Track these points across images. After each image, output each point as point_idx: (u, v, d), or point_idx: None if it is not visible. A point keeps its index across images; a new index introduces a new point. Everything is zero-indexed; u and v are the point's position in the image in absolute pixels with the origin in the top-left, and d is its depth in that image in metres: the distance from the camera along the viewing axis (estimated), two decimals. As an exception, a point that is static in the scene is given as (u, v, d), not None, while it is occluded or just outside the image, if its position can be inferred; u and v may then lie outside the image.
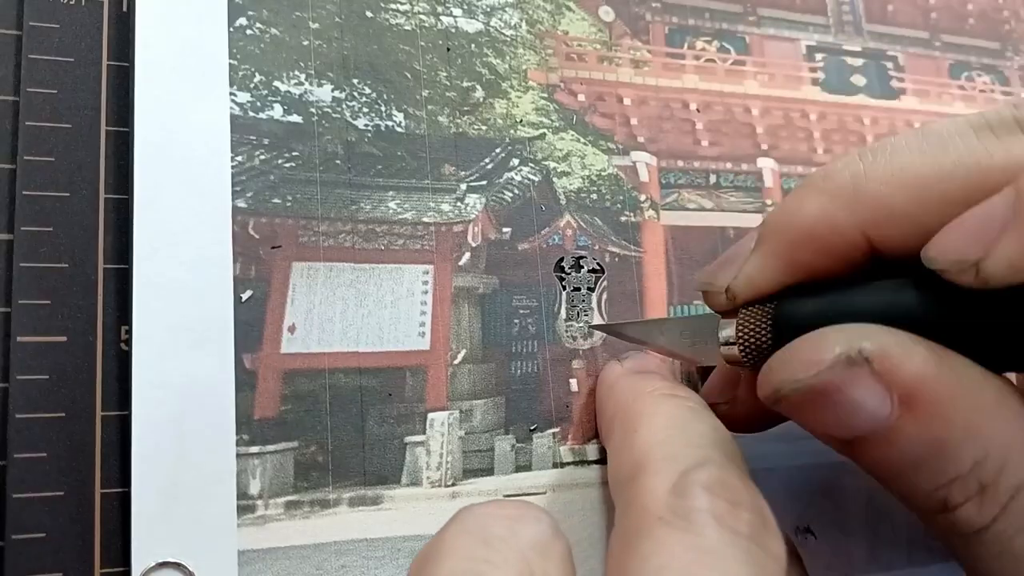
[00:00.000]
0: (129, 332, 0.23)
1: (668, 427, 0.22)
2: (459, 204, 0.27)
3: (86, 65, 0.25)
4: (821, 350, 0.20)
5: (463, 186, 0.27)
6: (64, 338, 0.23)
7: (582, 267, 0.28)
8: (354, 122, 0.27)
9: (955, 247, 0.19)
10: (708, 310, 0.24)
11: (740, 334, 0.23)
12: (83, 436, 0.23)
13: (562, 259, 0.28)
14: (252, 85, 0.26)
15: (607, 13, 0.31)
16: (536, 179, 0.29)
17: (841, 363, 0.19)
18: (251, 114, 0.25)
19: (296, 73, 0.26)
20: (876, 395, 0.19)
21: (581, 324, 0.28)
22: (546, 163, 0.29)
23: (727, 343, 0.23)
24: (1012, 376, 0.23)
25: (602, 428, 0.26)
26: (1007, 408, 0.19)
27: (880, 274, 0.21)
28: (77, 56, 0.25)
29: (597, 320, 0.28)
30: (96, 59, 0.25)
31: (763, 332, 0.22)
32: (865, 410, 0.19)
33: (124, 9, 0.25)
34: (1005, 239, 0.18)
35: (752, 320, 0.23)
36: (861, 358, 0.19)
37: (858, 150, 0.22)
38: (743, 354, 0.23)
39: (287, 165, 0.25)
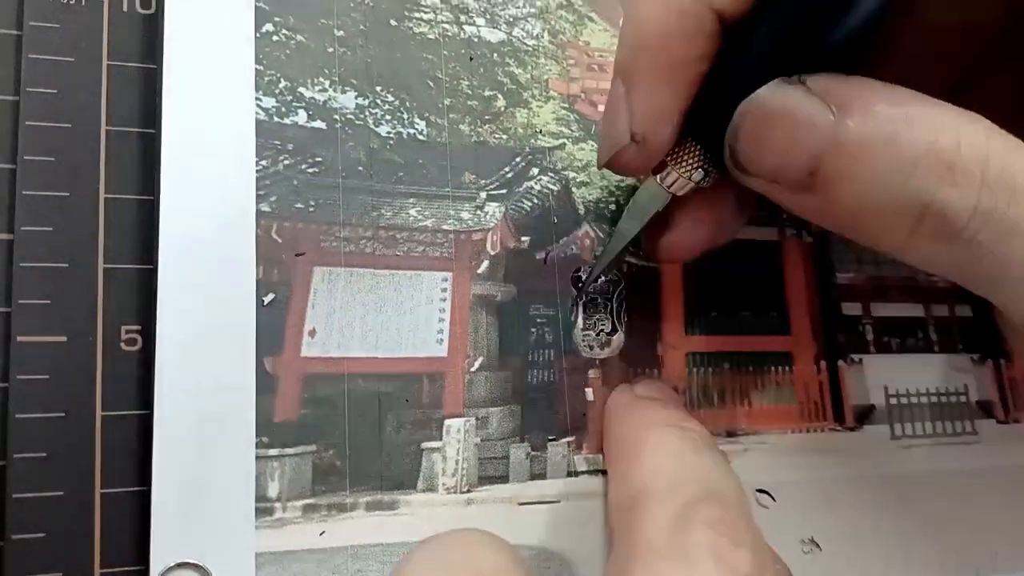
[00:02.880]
0: (131, 332, 0.23)
1: (671, 457, 0.22)
2: (479, 212, 0.27)
3: (86, 65, 0.25)
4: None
5: (483, 194, 0.28)
6: (64, 338, 0.23)
7: (599, 277, 0.28)
8: (377, 129, 0.27)
9: None
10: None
11: (677, 165, 0.24)
12: (83, 436, 0.23)
13: (580, 269, 0.28)
14: (277, 91, 0.26)
15: (628, 25, 0.31)
16: (555, 189, 0.29)
17: (776, 85, 0.21)
18: (276, 119, 0.26)
19: (320, 80, 0.26)
20: (816, 106, 0.20)
21: (598, 334, 0.28)
22: (565, 173, 0.29)
23: (675, 182, 0.24)
24: None
25: (606, 452, 0.26)
26: (932, 100, 0.20)
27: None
28: (77, 56, 0.25)
29: (612, 329, 0.28)
30: (96, 59, 0.25)
31: (694, 153, 0.24)
32: (809, 121, 0.20)
33: (124, 9, 0.25)
34: None
35: (682, 151, 0.24)
36: (796, 80, 0.21)
37: None
38: (690, 174, 0.24)
39: (310, 170, 0.26)
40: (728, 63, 0.23)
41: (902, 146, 0.19)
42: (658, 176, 0.25)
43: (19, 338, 0.22)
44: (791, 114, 0.21)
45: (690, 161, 0.24)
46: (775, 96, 0.21)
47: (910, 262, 0.21)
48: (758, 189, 0.23)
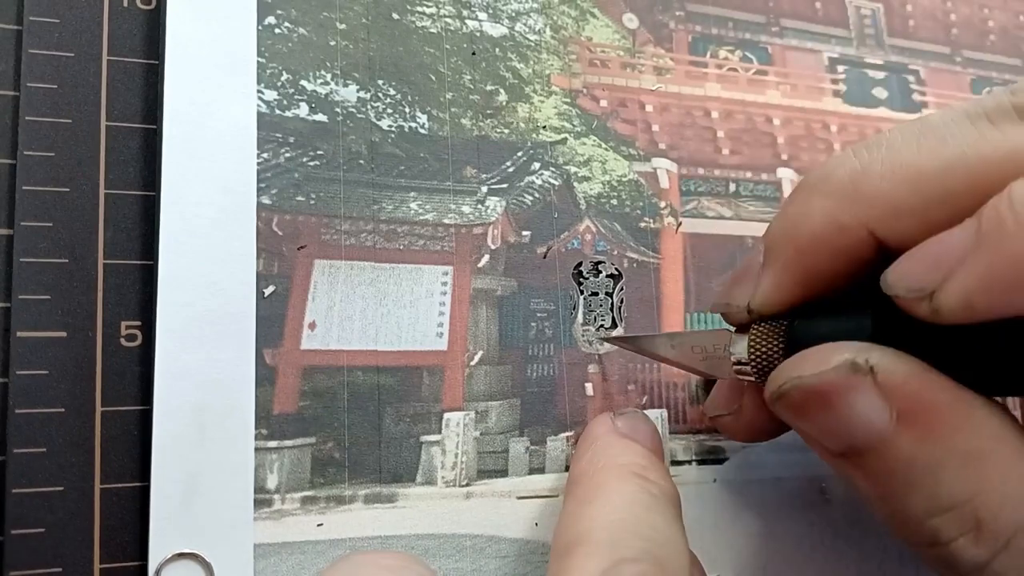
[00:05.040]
0: (131, 327, 0.23)
1: (621, 509, 0.21)
2: (480, 206, 0.27)
3: (86, 60, 0.25)
4: (829, 356, 0.20)
5: (484, 188, 0.28)
6: (64, 333, 0.23)
7: (600, 272, 0.28)
8: (378, 122, 0.27)
9: (912, 274, 0.18)
10: (722, 322, 0.25)
11: (752, 350, 0.23)
12: (83, 431, 0.23)
13: (580, 263, 0.28)
14: (279, 83, 0.26)
15: (631, 20, 0.31)
16: (557, 183, 0.29)
17: (845, 367, 0.19)
18: (277, 112, 0.26)
19: (322, 73, 0.26)
20: (876, 405, 0.19)
21: (598, 329, 0.28)
22: (567, 168, 0.29)
23: (739, 361, 0.23)
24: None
25: (567, 483, 0.25)
26: (1008, 443, 0.19)
27: None
28: (77, 51, 0.25)
29: (612, 324, 0.28)
30: (96, 54, 0.25)
31: (775, 347, 0.22)
32: (863, 418, 0.19)
33: (124, 5, 0.25)
34: (962, 271, 0.17)
35: (764, 336, 0.23)
36: (866, 367, 0.19)
37: (852, 147, 0.21)
38: (754, 368, 0.23)
39: (311, 163, 0.26)
40: (859, 305, 0.21)
41: (943, 485, 0.18)
42: (732, 338, 0.24)
43: (19, 333, 0.22)
44: (847, 406, 0.19)
45: (757, 348, 0.23)
46: (836, 380, 0.19)
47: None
48: (789, 424, 0.22)
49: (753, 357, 0.23)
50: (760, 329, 0.23)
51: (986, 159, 0.19)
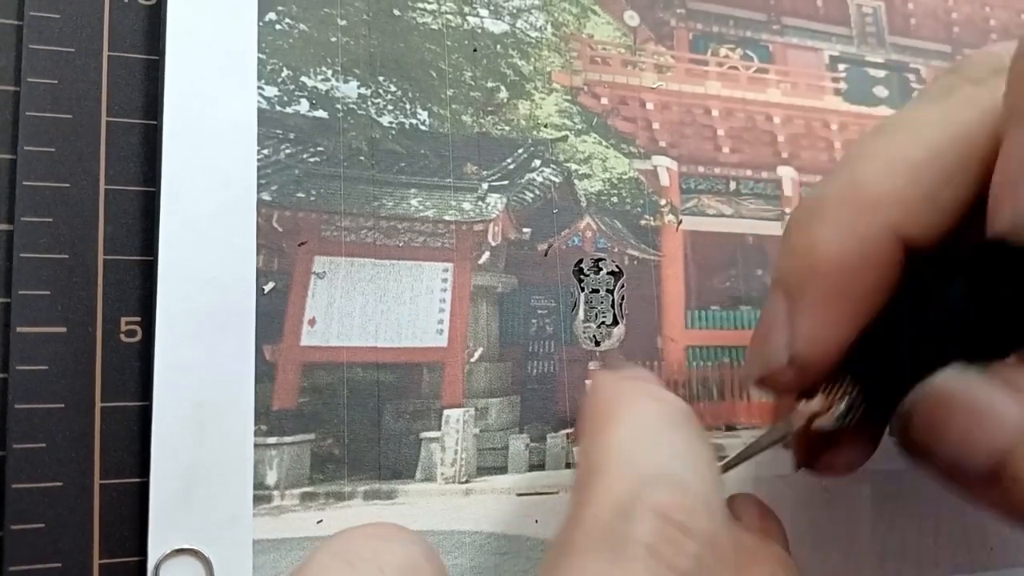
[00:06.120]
0: (131, 323, 0.23)
1: (639, 428, 0.20)
2: (480, 203, 0.27)
3: (86, 56, 0.25)
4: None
5: (485, 185, 0.28)
6: (64, 329, 0.23)
7: (601, 269, 0.28)
8: (379, 119, 0.27)
9: (1012, 202, 0.18)
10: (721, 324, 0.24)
11: (827, 397, 0.21)
12: (82, 427, 0.23)
13: (581, 261, 0.28)
14: (280, 80, 0.26)
15: (632, 18, 0.31)
16: (557, 181, 0.29)
17: (955, 371, 0.19)
18: (278, 108, 0.26)
19: (323, 69, 0.26)
20: (1002, 396, 0.18)
21: (599, 326, 0.28)
22: (568, 165, 0.29)
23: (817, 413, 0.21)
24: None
25: (577, 430, 0.24)
26: None
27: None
28: (78, 46, 0.24)
29: (613, 321, 0.28)
30: (97, 49, 0.25)
31: (849, 391, 0.21)
32: (995, 413, 0.18)
33: (125, 0, 0.25)
34: None
35: (830, 388, 0.21)
36: (976, 366, 0.19)
37: (820, 180, 0.21)
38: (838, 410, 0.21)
39: (312, 160, 0.26)
40: (909, 305, 0.20)
41: None
42: (801, 402, 0.22)
43: (19, 329, 0.22)
44: (973, 405, 0.18)
45: (841, 397, 0.21)
46: (954, 383, 0.19)
47: None
48: (929, 475, 0.20)
49: (837, 399, 0.21)
50: (826, 385, 0.21)
51: (965, 125, 0.20)
